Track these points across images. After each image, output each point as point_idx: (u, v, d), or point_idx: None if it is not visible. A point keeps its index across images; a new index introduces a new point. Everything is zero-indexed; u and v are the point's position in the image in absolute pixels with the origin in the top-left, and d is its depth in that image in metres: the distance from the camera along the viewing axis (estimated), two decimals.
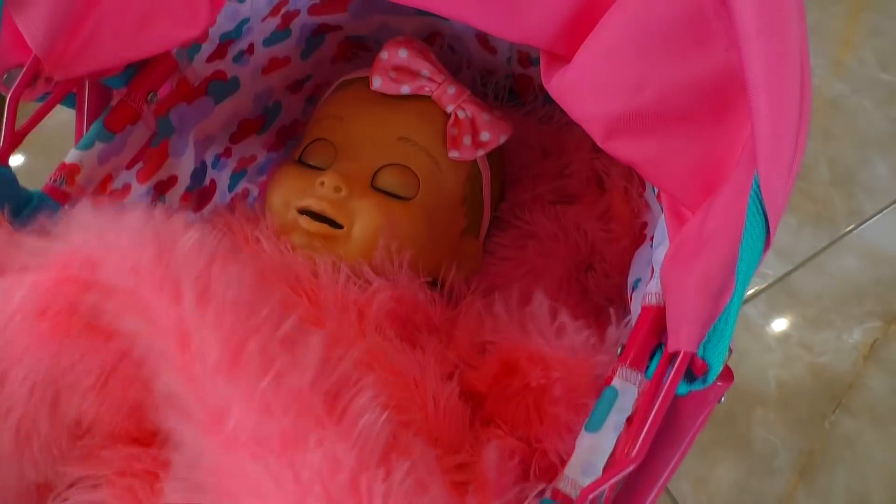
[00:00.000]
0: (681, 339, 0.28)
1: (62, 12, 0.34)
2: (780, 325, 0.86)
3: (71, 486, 0.33)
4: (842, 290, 0.87)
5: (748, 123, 0.26)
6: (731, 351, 0.31)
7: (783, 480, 0.79)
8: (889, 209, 0.91)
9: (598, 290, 0.46)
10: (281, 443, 0.29)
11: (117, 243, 0.31)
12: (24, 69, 0.34)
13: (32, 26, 0.33)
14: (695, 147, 0.30)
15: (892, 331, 0.85)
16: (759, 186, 0.25)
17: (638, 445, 0.27)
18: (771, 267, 0.88)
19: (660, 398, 0.27)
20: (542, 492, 0.33)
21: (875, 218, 0.91)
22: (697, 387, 0.28)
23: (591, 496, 0.28)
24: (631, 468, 0.27)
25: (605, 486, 0.28)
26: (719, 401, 0.34)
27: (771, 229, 0.26)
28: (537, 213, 0.49)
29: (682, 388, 0.31)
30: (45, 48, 0.34)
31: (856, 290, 0.87)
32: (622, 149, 0.32)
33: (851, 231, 0.90)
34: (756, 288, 0.87)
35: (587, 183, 0.48)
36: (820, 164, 0.94)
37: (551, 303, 0.38)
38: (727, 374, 0.32)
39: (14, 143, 0.35)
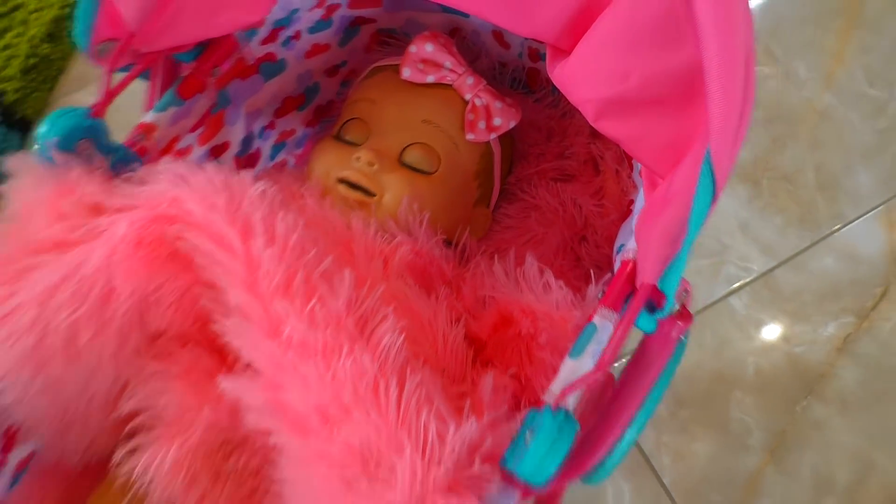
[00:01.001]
0: (646, 274, 0.34)
1: None
2: (760, 316, 0.92)
3: (144, 380, 0.41)
4: (820, 287, 0.93)
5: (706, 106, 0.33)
6: (687, 292, 0.38)
7: (755, 458, 0.86)
8: (869, 215, 0.97)
9: (589, 259, 0.53)
10: (322, 350, 0.36)
11: (198, 189, 0.39)
12: (120, 42, 0.41)
13: (129, 7, 0.40)
14: (666, 127, 0.36)
15: (864, 327, 0.91)
16: (710, 155, 0.32)
17: (602, 356, 0.34)
18: (756, 263, 0.95)
19: (626, 321, 0.34)
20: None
21: (856, 222, 0.97)
22: (658, 315, 0.35)
23: (564, 398, 0.35)
24: (598, 375, 0.34)
25: (576, 392, 0.35)
26: (681, 339, 0.41)
27: (718, 188, 0.33)
28: (540, 188, 0.56)
29: (649, 322, 0.37)
30: (136, 26, 0.41)
31: (833, 288, 0.93)
32: (609, 127, 0.39)
33: (833, 233, 0.96)
34: (741, 282, 0.94)
35: (584, 164, 0.55)
36: (807, 170, 1.00)
37: (540, 265, 0.45)
38: (686, 315, 0.39)
39: (107, 102, 0.42)
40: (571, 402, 0.36)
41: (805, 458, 0.86)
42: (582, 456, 0.47)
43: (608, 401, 0.45)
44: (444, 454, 0.35)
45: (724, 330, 0.91)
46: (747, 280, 0.94)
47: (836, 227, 0.96)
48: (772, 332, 0.91)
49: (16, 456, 0.50)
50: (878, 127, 1.02)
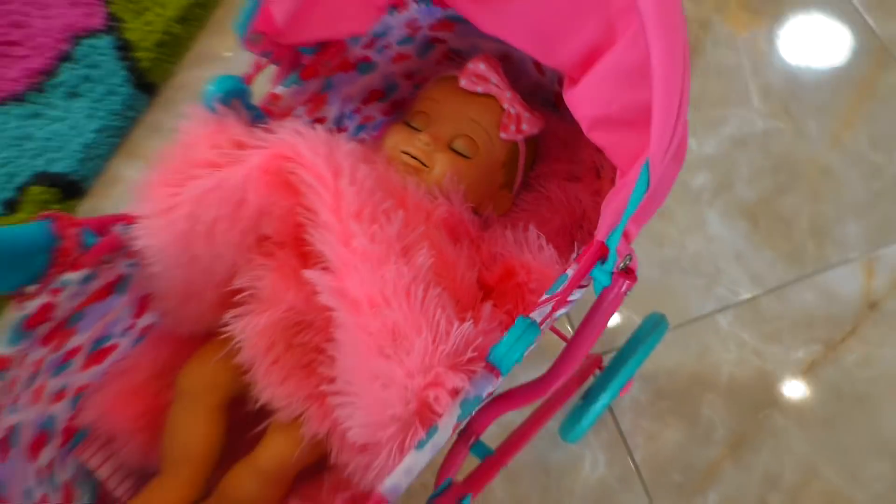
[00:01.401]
0: (599, 234, 0.51)
1: (296, 5, 0.59)
2: (740, 334, 1.06)
3: (251, 268, 0.59)
4: (797, 317, 1.07)
5: None
6: (630, 257, 0.54)
7: (716, 450, 1.00)
8: (851, 262, 1.10)
9: (581, 242, 0.69)
10: (376, 259, 0.54)
11: (308, 140, 0.57)
12: (267, 35, 0.60)
13: (279, 11, 0.59)
14: (632, 141, 0.53)
15: (830, 357, 1.04)
16: (648, 162, 0.48)
17: (564, 287, 0.51)
18: (744, 288, 1.09)
19: (583, 266, 0.50)
20: None
21: (839, 267, 1.10)
22: (607, 266, 0.51)
23: (538, 311, 0.51)
24: (558, 297, 0.51)
25: (542, 309, 0.51)
26: (624, 293, 0.57)
27: (651, 182, 0.49)
28: (553, 184, 0.72)
29: (601, 272, 0.54)
30: (282, 25, 0.60)
31: (809, 320, 1.07)
32: (597, 137, 0.56)
33: (816, 273, 1.10)
34: (729, 303, 1.08)
35: (589, 170, 0.71)
36: (803, 216, 1.14)
37: (538, 231, 0.62)
38: (632, 276, 0.55)
39: (254, 74, 0.60)
40: (538, 315, 0.52)
41: (759, 458, 0.99)
42: (546, 380, 0.63)
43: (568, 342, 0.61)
44: (448, 342, 0.52)
45: (708, 340, 1.06)
46: (734, 302, 1.08)
47: (820, 269, 1.10)
48: (748, 348, 1.05)
49: (142, 322, 0.69)
50: (873, 188, 1.16)
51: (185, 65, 1.29)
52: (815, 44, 1.28)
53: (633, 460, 0.99)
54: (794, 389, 1.02)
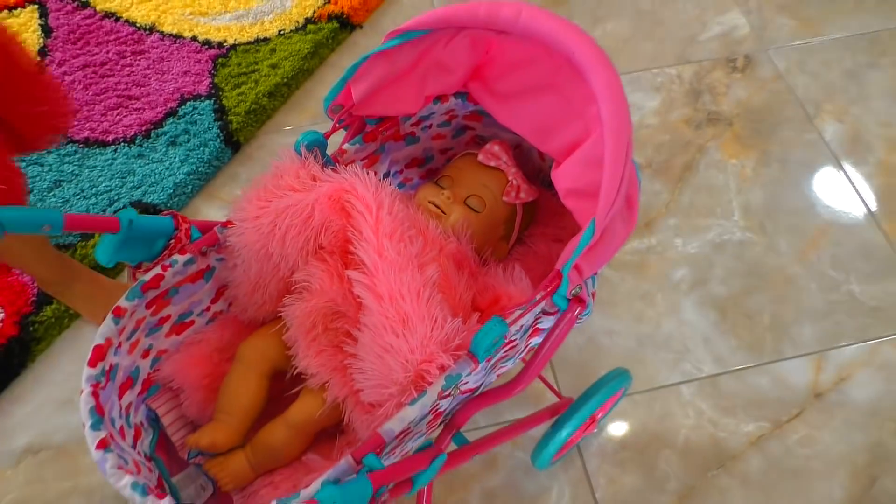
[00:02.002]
0: (559, 265, 0.72)
1: (369, 89, 0.84)
2: (700, 404, 1.23)
3: (306, 268, 0.81)
4: (751, 397, 1.24)
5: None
6: (581, 287, 0.74)
7: (668, 499, 1.15)
8: (803, 357, 1.27)
9: None
10: (400, 266, 0.75)
11: (362, 181, 0.80)
12: (345, 108, 0.84)
13: (357, 92, 0.83)
14: (591, 205, 0.74)
15: (776, 433, 1.20)
16: (594, 220, 0.69)
17: (530, 305, 0.71)
18: (707, 367, 1.26)
19: (547, 292, 0.71)
20: None
21: (792, 360, 1.27)
22: (562, 292, 0.72)
23: (513, 318, 0.71)
24: (524, 306, 0.71)
25: (517, 314, 0.72)
26: (577, 318, 0.77)
27: (596, 234, 0.70)
28: (541, 243, 0.93)
29: (560, 299, 0.74)
30: (358, 100, 0.84)
31: (760, 400, 1.23)
32: (568, 203, 0.78)
33: (772, 363, 1.27)
34: (692, 377, 1.26)
35: (570, 234, 0.91)
36: (765, 314, 1.32)
37: (518, 268, 0.83)
38: (584, 303, 0.75)
39: (331, 133, 0.84)
40: (508, 318, 0.72)
41: None
42: (512, 385, 0.82)
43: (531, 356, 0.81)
44: (442, 331, 0.73)
45: (670, 406, 1.23)
46: (697, 377, 1.26)
47: (776, 359, 1.27)
48: (705, 417, 1.22)
49: (215, 307, 0.90)
50: (830, 299, 1.34)
51: (265, 130, 1.57)
52: (793, 177, 1.50)
53: (595, 498, 1.15)
54: (741, 457, 1.18)
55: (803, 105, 1.59)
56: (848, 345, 1.29)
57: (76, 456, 1.17)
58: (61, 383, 1.24)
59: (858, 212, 1.44)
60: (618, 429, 1.20)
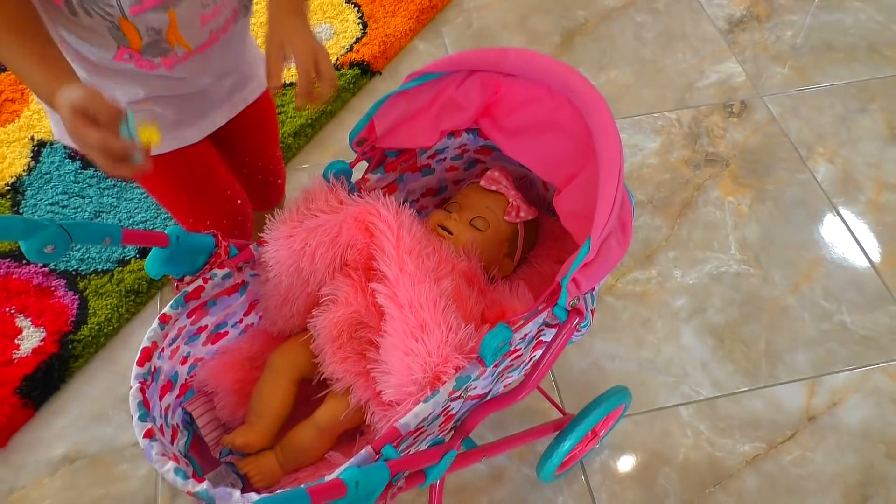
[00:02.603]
0: (558, 278, 0.80)
1: (390, 124, 0.94)
2: (698, 425, 1.30)
3: (333, 282, 0.90)
4: (747, 419, 1.30)
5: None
6: (578, 299, 0.83)
7: None
8: (797, 382, 1.34)
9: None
10: (418, 278, 0.84)
11: (384, 205, 0.89)
12: (369, 141, 0.94)
13: (380, 126, 0.93)
14: (588, 226, 0.83)
15: (770, 453, 1.26)
16: (589, 240, 0.78)
17: (532, 314, 0.80)
18: (705, 390, 1.33)
19: (548, 303, 0.79)
20: None
21: (786, 384, 1.34)
22: (562, 303, 0.80)
23: (518, 326, 0.80)
24: (524, 315, 0.79)
25: (521, 321, 0.80)
26: (576, 329, 0.85)
27: (591, 251, 0.78)
28: (544, 263, 1.02)
29: (560, 311, 0.82)
30: (380, 134, 0.94)
31: (756, 422, 1.30)
32: (568, 224, 0.87)
33: (767, 387, 1.34)
34: (691, 399, 1.33)
35: (570, 253, 1.01)
36: (761, 342, 1.39)
37: (523, 285, 0.92)
38: (582, 314, 0.83)
39: (356, 163, 0.94)
40: (516, 331, 0.80)
41: None
42: (516, 392, 0.90)
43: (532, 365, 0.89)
44: (456, 336, 0.81)
45: (669, 426, 1.29)
46: (696, 399, 1.32)
47: (771, 384, 1.34)
48: (703, 437, 1.28)
49: (248, 320, 0.99)
50: (822, 328, 1.41)
51: (290, 166, 1.68)
52: (787, 214, 1.59)
53: None
54: (738, 475, 1.24)
55: (796, 147, 1.68)
56: (840, 371, 1.35)
57: (109, 465, 1.25)
58: (96, 398, 1.32)
59: (849, 247, 1.52)
60: (620, 447, 1.27)
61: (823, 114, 1.75)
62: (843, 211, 1.58)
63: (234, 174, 1.16)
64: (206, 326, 0.95)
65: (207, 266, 0.91)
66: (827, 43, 1.91)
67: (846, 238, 1.53)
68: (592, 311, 0.94)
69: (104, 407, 1.31)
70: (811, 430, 1.29)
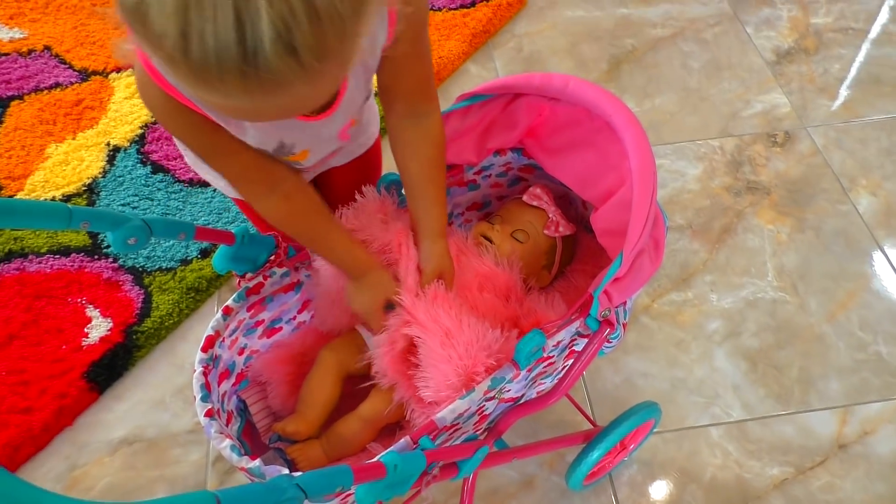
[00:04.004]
0: (591, 289, 0.86)
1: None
2: (727, 446, 1.32)
3: None
4: (776, 443, 1.32)
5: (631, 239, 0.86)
6: (610, 310, 0.88)
7: None
8: (828, 410, 1.35)
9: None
10: (435, 297, 0.90)
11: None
12: None
13: None
14: (621, 242, 0.89)
15: (799, 478, 1.28)
16: (622, 254, 0.84)
17: (564, 324, 0.85)
18: (735, 412, 1.36)
19: (580, 314, 0.85)
20: None
21: (818, 412, 1.36)
22: (593, 313, 0.85)
23: (551, 333, 0.85)
24: (557, 323, 0.85)
25: (554, 329, 0.86)
26: (606, 339, 0.90)
27: (623, 265, 0.84)
28: (580, 277, 1.08)
29: (592, 321, 0.88)
30: None
31: (786, 446, 1.32)
32: (603, 241, 0.93)
33: (798, 413, 1.36)
34: (721, 421, 1.35)
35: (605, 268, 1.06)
36: (794, 368, 1.41)
37: (558, 296, 0.97)
38: (613, 324, 0.89)
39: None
40: (550, 336, 0.86)
41: None
42: (546, 397, 0.95)
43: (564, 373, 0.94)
44: (485, 340, 0.87)
45: (698, 446, 1.32)
46: (726, 421, 1.35)
47: (802, 410, 1.36)
48: (731, 458, 1.31)
49: (300, 318, 1.07)
50: (857, 357, 1.43)
51: None
52: (826, 243, 1.61)
53: None
54: (765, 497, 1.26)
55: (839, 179, 1.70)
56: (873, 401, 1.36)
57: (164, 449, 1.34)
58: (156, 386, 1.42)
59: (888, 278, 1.53)
60: (648, 462, 1.30)
61: (868, 147, 1.77)
62: (883, 242, 1.59)
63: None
64: (263, 321, 1.03)
65: (268, 264, 0.99)
66: (875, 77, 1.92)
67: (886, 270, 1.55)
68: (624, 326, 0.99)
69: (162, 395, 1.40)
70: (841, 457, 1.30)
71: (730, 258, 1.58)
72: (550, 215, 1.07)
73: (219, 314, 0.94)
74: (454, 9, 2.10)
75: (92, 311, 1.48)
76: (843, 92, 1.89)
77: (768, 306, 1.51)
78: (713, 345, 1.45)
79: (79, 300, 1.50)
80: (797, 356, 1.43)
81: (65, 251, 1.58)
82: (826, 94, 1.89)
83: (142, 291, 1.51)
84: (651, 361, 1.42)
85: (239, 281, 0.99)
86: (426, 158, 0.94)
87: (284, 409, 1.03)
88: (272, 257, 0.99)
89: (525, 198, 1.08)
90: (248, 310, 0.99)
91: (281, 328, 1.06)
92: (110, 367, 1.42)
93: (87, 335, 1.45)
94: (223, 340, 0.96)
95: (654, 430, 1.26)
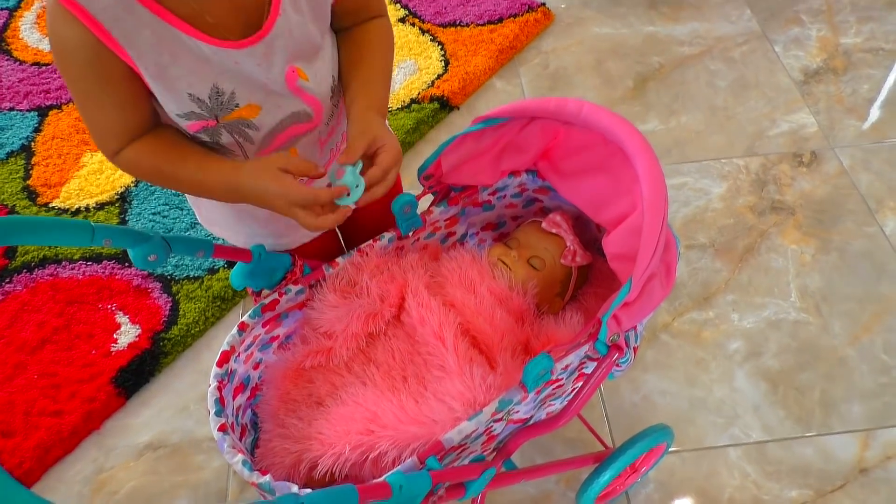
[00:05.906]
0: (599, 314, 0.87)
1: (456, 162, 1.03)
2: (745, 467, 1.31)
3: None
4: (796, 465, 1.31)
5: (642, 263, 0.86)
6: (618, 335, 0.88)
7: None
8: (850, 433, 1.34)
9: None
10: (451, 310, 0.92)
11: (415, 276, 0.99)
12: (434, 177, 1.03)
13: (446, 163, 1.02)
14: (631, 267, 0.90)
15: (818, 501, 1.26)
16: (631, 280, 0.84)
17: (574, 346, 0.86)
18: (755, 433, 1.35)
19: (590, 337, 0.86)
20: None
21: (839, 434, 1.34)
22: (602, 338, 0.86)
23: (559, 356, 0.86)
24: (568, 347, 0.86)
25: (562, 353, 0.87)
26: (615, 363, 0.90)
27: (633, 291, 0.84)
28: (591, 299, 1.08)
29: (601, 345, 0.88)
30: (446, 171, 1.03)
31: (805, 469, 1.30)
32: (613, 265, 0.94)
33: (818, 436, 1.34)
34: (741, 441, 1.34)
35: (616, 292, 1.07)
36: (815, 390, 1.40)
37: (571, 313, 0.98)
38: (621, 349, 0.89)
39: (421, 196, 1.04)
40: (553, 354, 0.87)
41: None
42: (555, 419, 0.96)
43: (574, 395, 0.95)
44: (486, 383, 0.88)
45: (717, 466, 1.32)
46: (745, 442, 1.34)
47: (823, 433, 1.34)
48: (750, 479, 1.30)
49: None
50: (880, 381, 1.40)
51: None
52: (851, 265, 1.58)
53: None
54: None
55: (866, 200, 1.68)
56: None
57: (188, 455, 1.37)
58: (182, 392, 1.46)
59: None
60: (665, 482, 1.30)
61: None
62: None
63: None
64: (278, 336, 1.05)
65: (283, 282, 1.02)
66: None
67: None
68: (635, 349, 0.99)
69: (187, 402, 1.44)
70: (862, 482, 1.28)
71: (752, 278, 1.57)
72: (568, 244, 1.07)
73: (234, 330, 0.97)
74: (481, 24, 2.12)
75: (121, 318, 1.53)
76: (872, 113, 1.86)
77: (790, 327, 1.49)
78: (734, 365, 1.44)
79: (109, 306, 1.55)
80: (819, 378, 1.41)
81: (97, 258, 1.63)
82: (854, 114, 1.86)
83: (170, 299, 1.55)
84: (670, 380, 1.42)
85: (255, 297, 1.02)
86: (365, 41, 0.94)
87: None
88: (288, 275, 1.02)
89: (544, 225, 1.09)
90: (264, 325, 1.01)
91: (296, 343, 1.08)
92: (138, 373, 1.46)
93: (116, 341, 1.49)
94: (238, 355, 0.99)
95: (667, 451, 1.25)
